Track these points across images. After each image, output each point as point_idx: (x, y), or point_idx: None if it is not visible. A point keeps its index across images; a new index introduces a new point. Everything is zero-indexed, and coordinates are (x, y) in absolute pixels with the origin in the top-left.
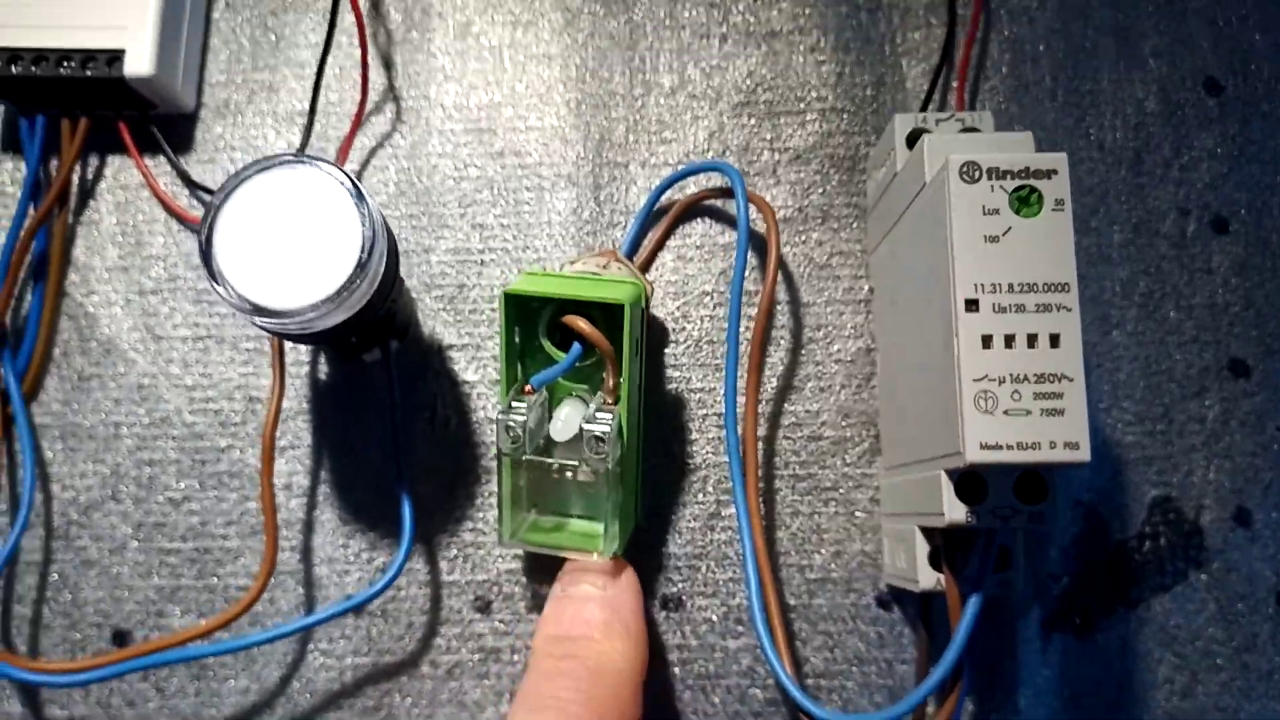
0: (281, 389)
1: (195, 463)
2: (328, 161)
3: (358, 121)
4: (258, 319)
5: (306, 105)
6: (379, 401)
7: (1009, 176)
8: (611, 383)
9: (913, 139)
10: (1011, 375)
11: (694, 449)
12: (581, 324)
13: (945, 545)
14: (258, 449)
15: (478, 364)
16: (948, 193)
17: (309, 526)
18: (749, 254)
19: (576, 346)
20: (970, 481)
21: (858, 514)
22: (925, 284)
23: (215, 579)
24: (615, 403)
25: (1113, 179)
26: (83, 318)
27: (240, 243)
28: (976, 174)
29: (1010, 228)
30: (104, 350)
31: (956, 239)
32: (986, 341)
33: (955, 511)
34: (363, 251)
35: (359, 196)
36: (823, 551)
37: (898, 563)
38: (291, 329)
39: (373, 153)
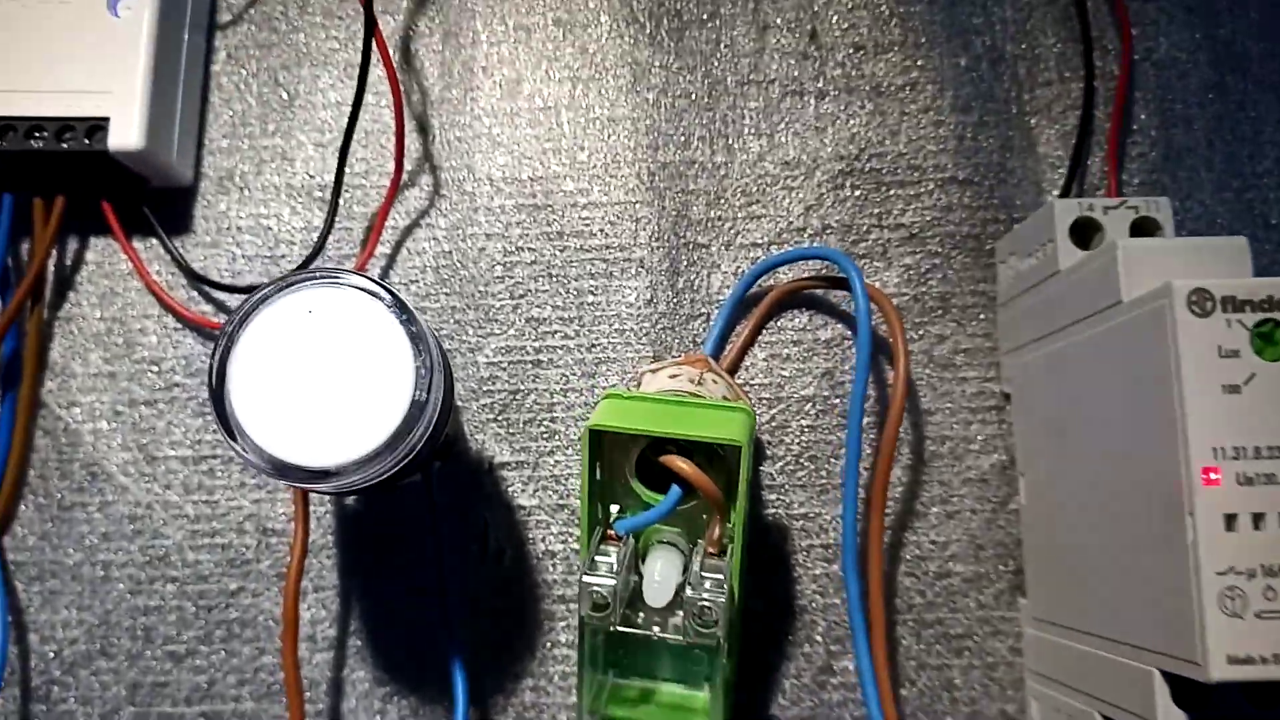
0: (306, 529)
1: (200, 610)
2: (369, 278)
3: (391, 197)
4: (287, 481)
5: (326, 176)
6: (418, 532)
7: (1248, 308)
8: (717, 532)
9: (1082, 232)
10: (1263, 567)
11: (798, 589)
12: (684, 466)
13: None
14: (274, 592)
15: (536, 485)
16: (1173, 329)
17: (337, 688)
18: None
19: (675, 490)
20: (1195, 685)
21: (997, 667)
22: (1127, 431)
23: None
24: (721, 554)
25: None
26: (62, 434)
27: (261, 383)
28: (1209, 305)
29: (1253, 374)
30: (88, 474)
31: (1188, 388)
32: (1230, 522)
33: None
34: (417, 389)
35: (409, 321)
36: (955, 713)
37: None
38: (333, 488)
39: (407, 233)
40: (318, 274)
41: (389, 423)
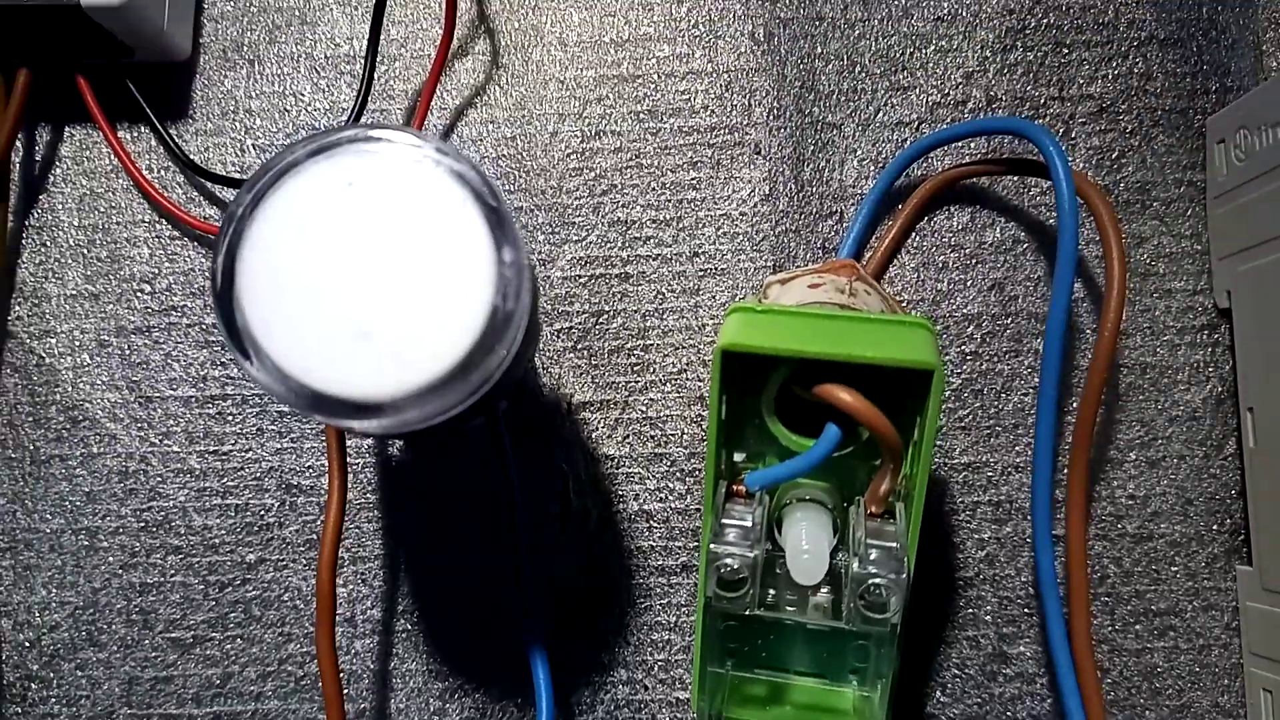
0: (343, 485)
1: (210, 587)
2: (434, 141)
3: (439, 68)
4: (320, 418)
5: (358, 44)
6: (483, 489)
7: None
8: (884, 486)
9: None
10: None
11: (961, 556)
12: (850, 398)
13: None
14: (302, 564)
15: (626, 429)
16: None
17: (383, 681)
18: (1075, 270)
19: (833, 430)
20: None
21: (1210, 650)
22: None
23: None
24: (885, 515)
25: None
26: (35, 371)
27: (284, 285)
28: None
29: None
30: (68, 419)
31: None
32: None
33: None
34: (499, 294)
35: (490, 199)
36: (1159, 707)
37: None
38: (381, 429)
39: (459, 115)
40: (360, 132)
41: (460, 341)
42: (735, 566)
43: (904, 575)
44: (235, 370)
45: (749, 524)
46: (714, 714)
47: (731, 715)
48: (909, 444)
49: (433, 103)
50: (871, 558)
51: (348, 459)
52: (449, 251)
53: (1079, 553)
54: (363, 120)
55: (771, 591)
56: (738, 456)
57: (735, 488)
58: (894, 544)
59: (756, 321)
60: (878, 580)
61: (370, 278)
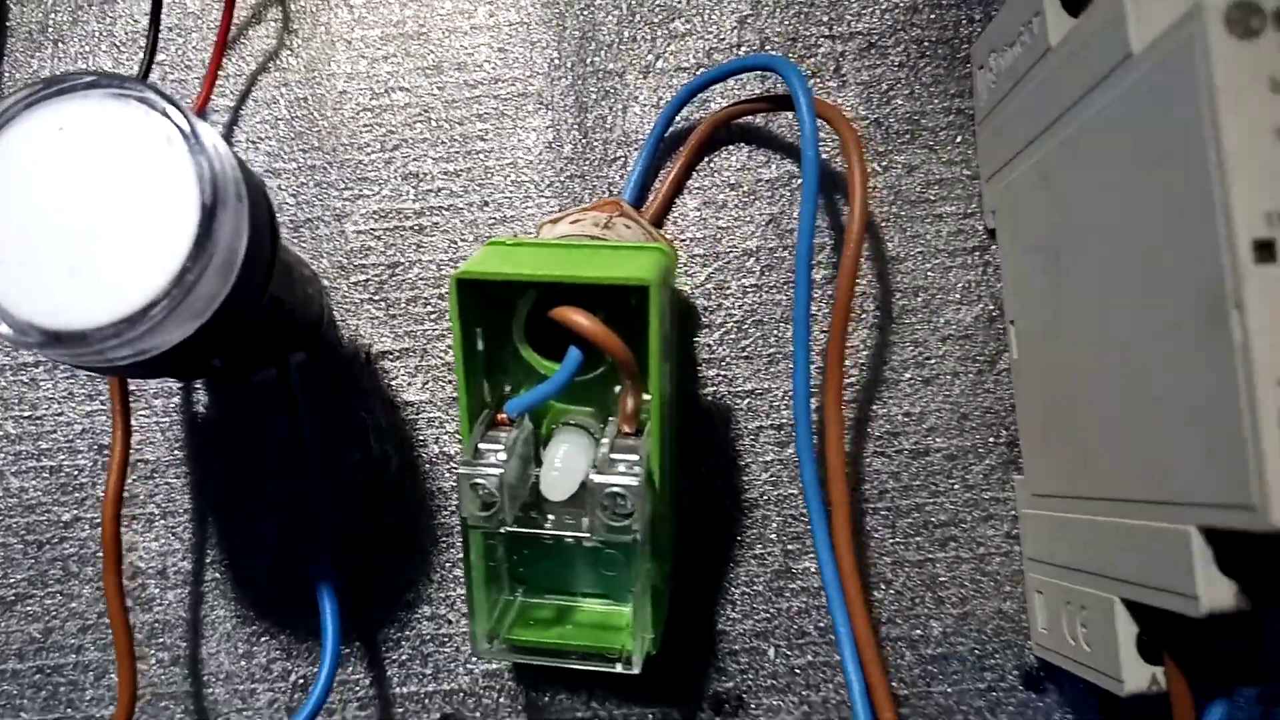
0: (126, 436)
1: (29, 546)
2: (140, 83)
3: (223, 37)
4: (52, 352)
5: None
6: (282, 439)
7: None
8: (631, 405)
9: None
10: None
11: (745, 480)
12: (581, 319)
13: (1174, 630)
14: None
15: (426, 376)
16: (1207, 58)
17: (195, 629)
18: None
19: (574, 353)
20: (1245, 541)
21: (990, 558)
22: (1143, 221)
23: (70, 710)
24: (637, 433)
25: None
26: None
27: (6, 228)
28: (1257, 23)
29: None
30: None
31: (1229, 137)
32: None
33: (1219, 595)
34: (201, 223)
35: (191, 135)
36: (942, 616)
37: (1068, 637)
38: (114, 360)
39: (252, 81)
40: (70, 81)
41: (165, 269)
42: (488, 486)
43: (642, 483)
44: None
45: (501, 447)
46: (492, 636)
47: (513, 636)
48: (647, 360)
49: (228, 69)
50: (617, 469)
51: (140, 412)
52: (153, 186)
53: (837, 466)
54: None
55: (551, 517)
56: (508, 387)
57: (499, 417)
58: (635, 456)
59: (502, 253)
60: (616, 489)
61: (82, 215)
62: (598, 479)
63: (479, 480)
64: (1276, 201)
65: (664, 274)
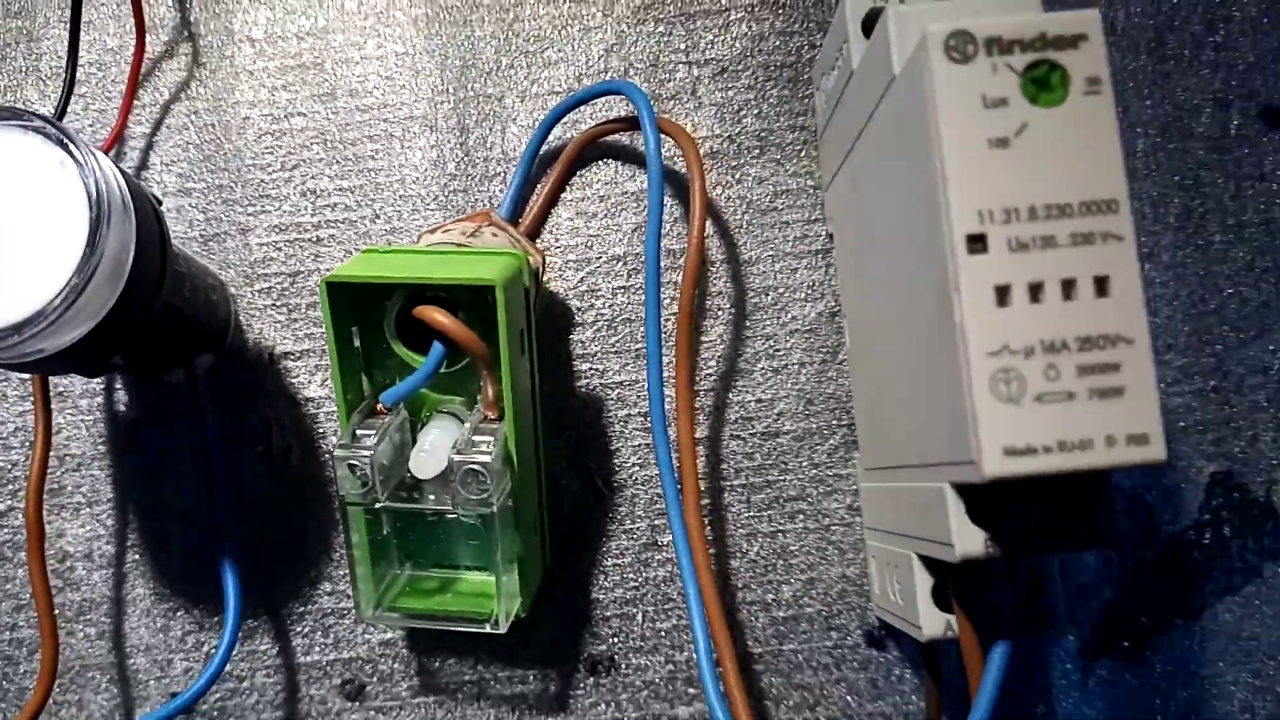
0: (47, 430)
1: None
2: (26, 113)
3: (136, 70)
4: None
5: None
6: (196, 432)
7: (1018, 49)
8: (491, 393)
9: (871, 23)
10: (1043, 343)
11: (616, 462)
12: (439, 316)
13: (955, 578)
14: (47, 508)
15: (325, 374)
16: (929, 79)
17: (118, 606)
18: (668, 201)
19: (437, 347)
20: (989, 495)
21: (834, 529)
22: (904, 222)
23: (6, 683)
24: (499, 418)
25: (1130, 69)
26: None
27: None
28: (970, 49)
29: (1025, 124)
30: None
31: (948, 145)
32: (1002, 296)
33: (969, 542)
34: (90, 235)
35: (78, 156)
36: (792, 581)
37: (891, 594)
38: (16, 355)
39: (165, 110)
40: None
41: (61, 272)
42: (361, 465)
43: (497, 461)
44: None
45: (373, 432)
46: (377, 604)
47: (398, 605)
48: (499, 352)
49: (143, 99)
50: (477, 448)
51: (66, 409)
52: (48, 206)
53: (688, 445)
54: (61, 121)
55: (432, 496)
56: (386, 380)
57: (378, 407)
58: (492, 438)
59: (373, 259)
60: (474, 466)
61: None
62: (457, 458)
63: (354, 461)
64: (987, 201)
65: (514, 276)
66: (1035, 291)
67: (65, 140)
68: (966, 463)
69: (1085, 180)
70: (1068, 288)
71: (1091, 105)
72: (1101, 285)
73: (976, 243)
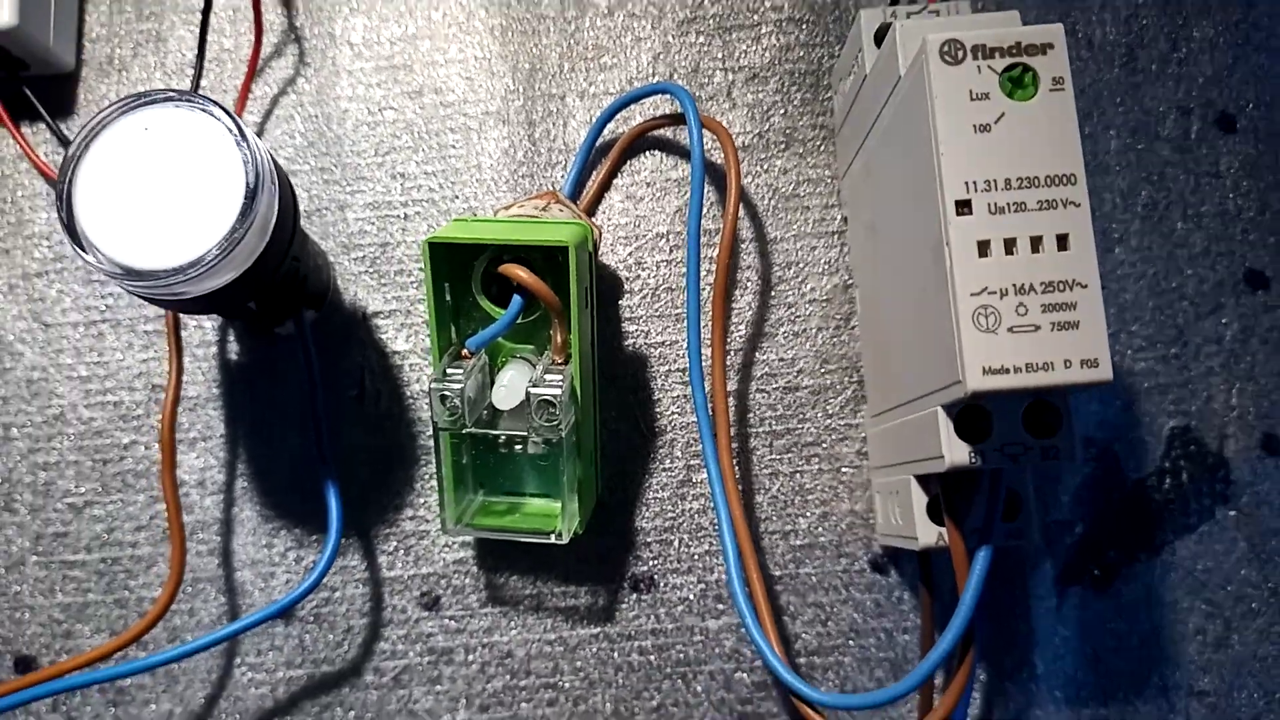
0: (179, 370)
1: (96, 463)
2: (203, 98)
3: (253, 66)
4: (131, 284)
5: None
6: (298, 380)
7: (998, 55)
8: (560, 339)
9: (882, 35)
10: (1015, 286)
11: (658, 410)
12: (521, 273)
13: (946, 494)
14: None
15: (409, 331)
16: (928, 78)
17: (228, 527)
18: (706, 187)
19: (517, 300)
20: (972, 416)
21: (844, 470)
22: (908, 195)
23: (127, 592)
24: (565, 362)
25: (1105, 79)
26: None
27: (105, 197)
28: (960, 54)
29: (1003, 114)
30: None
31: (942, 130)
32: (983, 249)
33: (957, 452)
34: (247, 196)
35: (240, 135)
36: (808, 514)
37: (892, 520)
38: (174, 293)
39: (275, 101)
40: (152, 96)
41: (222, 225)
42: (452, 396)
43: (566, 394)
44: (113, 299)
45: (461, 371)
46: (459, 521)
47: (474, 522)
48: (569, 305)
49: (254, 92)
50: (545, 381)
51: (190, 356)
52: (215, 170)
53: (720, 396)
54: None
55: (501, 424)
56: (470, 330)
57: (462, 352)
58: (561, 376)
59: (463, 225)
60: (547, 397)
61: (160, 189)
62: (534, 391)
63: (445, 392)
64: (972, 174)
65: (582, 241)
66: (1009, 245)
67: (232, 120)
68: (954, 384)
69: (1050, 158)
70: (1035, 243)
71: (1056, 100)
72: (1062, 241)
73: (963, 207)
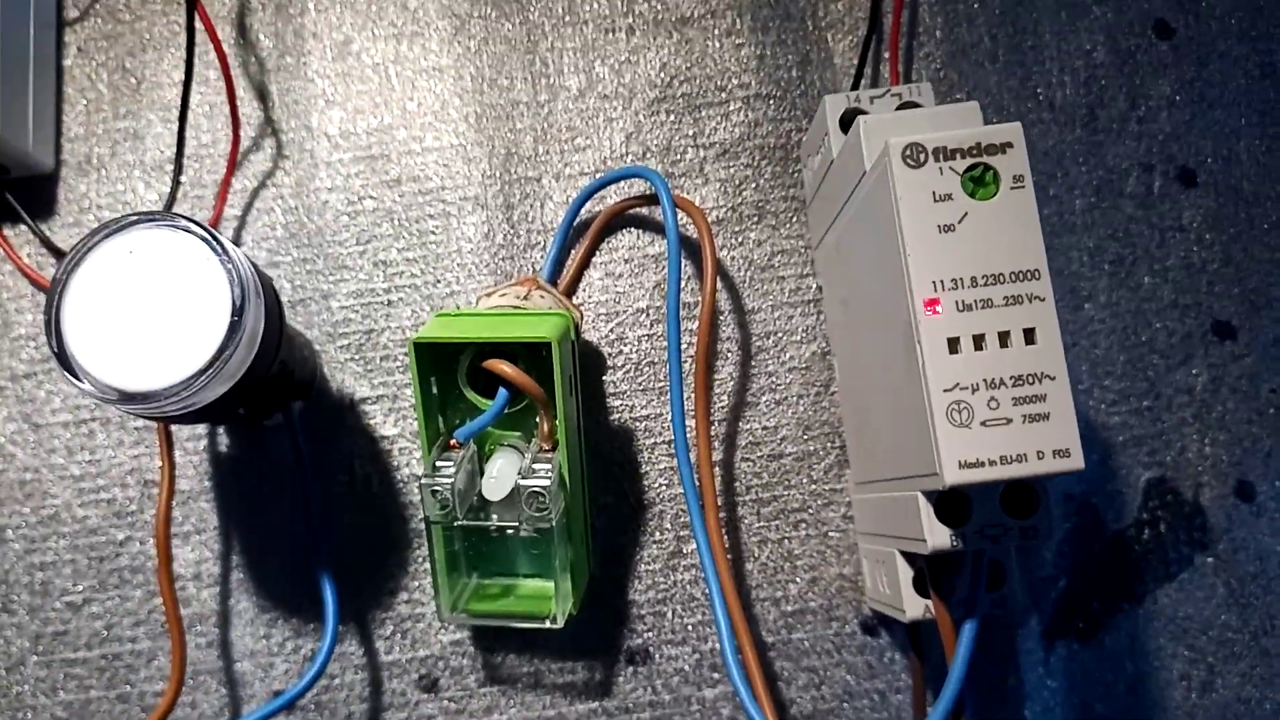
0: (172, 470)
1: (92, 561)
2: (184, 217)
3: (233, 162)
4: (126, 406)
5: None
6: (289, 469)
7: (958, 155)
8: (546, 428)
9: (847, 120)
10: (986, 380)
11: (646, 483)
12: (505, 368)
13: (930, 569)
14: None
15: (397, 416)
16: (891, 181)
17: (225, 619)
18: (683, 262)
19: (502, 393)
20: (952, 501)
21: (831, 534)
22: (877, 281)
23: (129, 687)
24: (553, 449)
25: (1068, 140)
26: None
27: (94, 323)
28: (922, 156)
29: (966, 213)
30: None
31: (907, 232)
32: (953, 345)
33: (938, 537)
34: (233, 313)
35: (222, 252)
36: (797, 580)
37: (880, 587)
38: (170, 411)
39: (255, 195)
40: (134, 218)
41: (211, 343)
42: (443, 491)
43: (555, 484)
44: None
45: (451, 463)
46: (454, 608)
47: (469, 607)
48: (554, 395)
49: (234, 186)
50: (537, 474)
51: (181, 451)
52: (201, 287)
53: (706, 466)
54: (173, 209)
55: (495, 516)
56: (457, 420)
57: (450, 442)
58: (549, 465)
59: (448, 321)
60: (536, 489)
61: (147, 310)
62: (523, 482)
63: (436, 488)
64: (938, 273)
65: (565, 332)
66: (979, 341)
67: (212, 238)
68: (932, 474)
69: (1014, 255)
70: (1003, 338)
71: (1017, 197)
72: (1029, 335)
73: (932, 305)
